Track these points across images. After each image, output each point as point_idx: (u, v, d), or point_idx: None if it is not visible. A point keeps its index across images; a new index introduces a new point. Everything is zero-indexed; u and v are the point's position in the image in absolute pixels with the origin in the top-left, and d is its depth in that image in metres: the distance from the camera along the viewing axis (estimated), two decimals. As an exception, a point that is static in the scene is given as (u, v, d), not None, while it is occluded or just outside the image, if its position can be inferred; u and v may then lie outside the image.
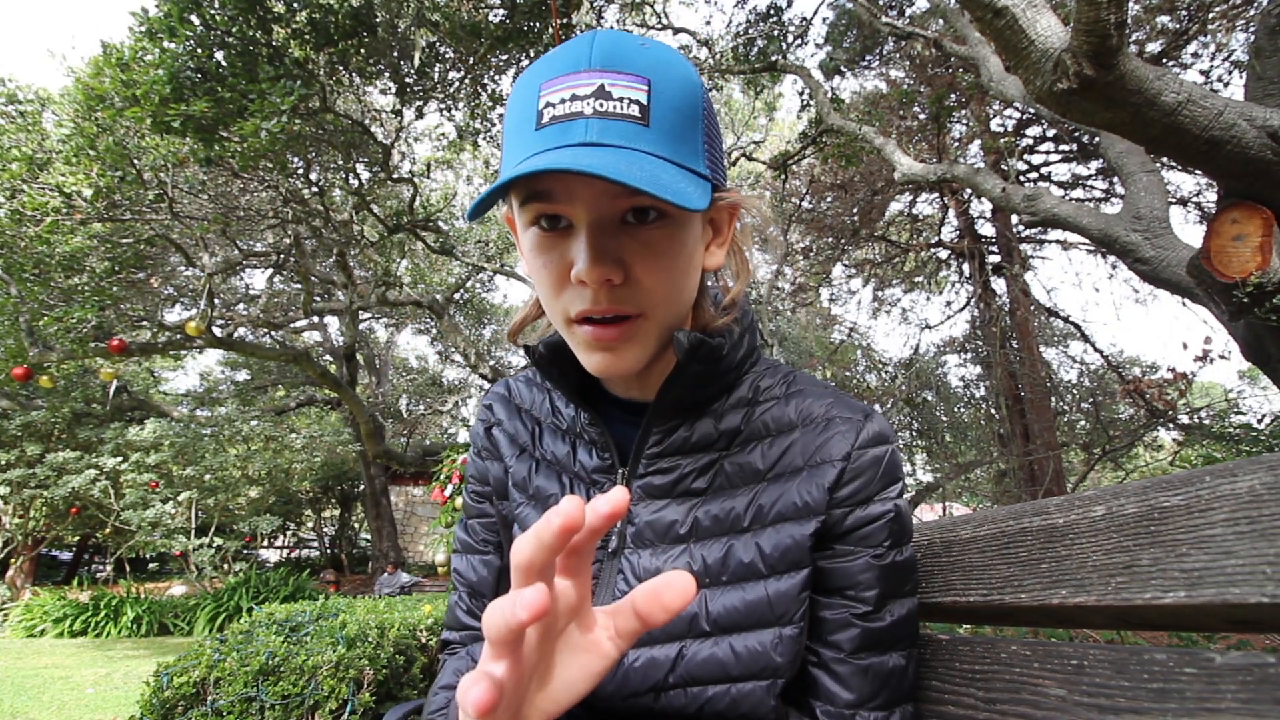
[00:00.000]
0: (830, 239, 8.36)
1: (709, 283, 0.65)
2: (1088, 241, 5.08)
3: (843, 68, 7.28)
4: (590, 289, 0.52)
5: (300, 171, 6.58)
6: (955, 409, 8.87)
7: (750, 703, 0.54)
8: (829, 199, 8.53)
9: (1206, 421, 4.94)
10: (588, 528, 0.35)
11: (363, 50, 5.26)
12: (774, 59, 6.05)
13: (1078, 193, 7.68)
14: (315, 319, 12.76)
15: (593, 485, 0.64)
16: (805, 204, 8.38)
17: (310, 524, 17.28)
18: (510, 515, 0.68)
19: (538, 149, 0.49)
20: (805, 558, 0.57)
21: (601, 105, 0.49)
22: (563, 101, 0.49)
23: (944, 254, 9.05)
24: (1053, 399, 7.73)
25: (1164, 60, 5.36)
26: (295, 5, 4.72)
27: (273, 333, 10.81)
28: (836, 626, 0.57)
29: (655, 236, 0.52)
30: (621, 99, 0.49)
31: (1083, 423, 7.28)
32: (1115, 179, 6.28)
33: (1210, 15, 5.03)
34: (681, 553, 0.58)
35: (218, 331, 7.59)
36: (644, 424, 0.61)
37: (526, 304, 0.67)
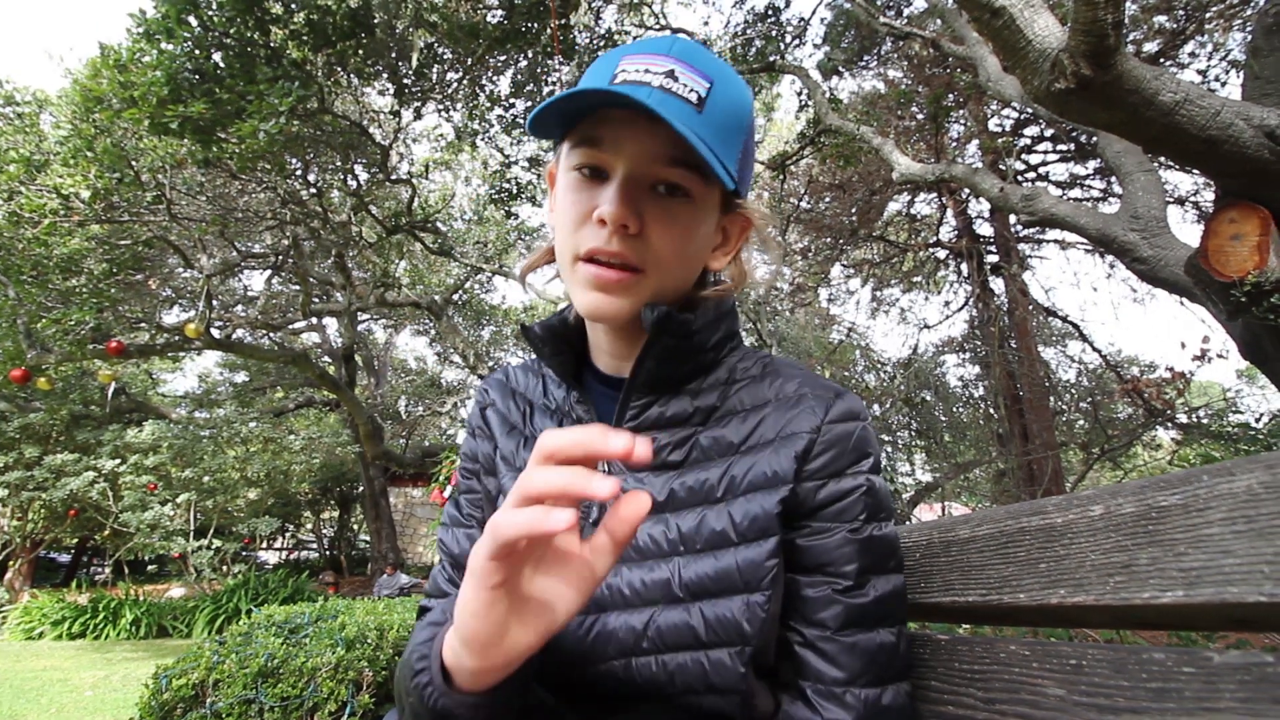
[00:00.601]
0: (828, 239, 8.36)
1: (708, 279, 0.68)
2: (1086, 241, 5.09)
3: (841, 68, 7.28)
4: (607, 230, 0.56)
5: (298, 172, 6.57)
6: (954, 409, 8.88)
7: (719, 672, 0.55)
8: (827, 199, 8.53)
9: (1205, 421, 4.96)
10: (610, 456, 0.39)
11: (361, 51, 5.26)
12: (772, 59, 6.06)
13: (1075, 192, 7.69)
14: (314, 320, 12.72)
15: None
16: (803, 204, 8.37)
17: (309, 526, 17.24)
18: (495, 489, 0.71)
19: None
20: (774, 525, 0.58)
21: (668, 84, 0.55)
22: (636, 71, 0.56)
23: (942, 254, 9.04)
24: (1051, 398, 7.74)
25: (1161, 60, 5.37)
26: (293, 6, 4.72)
27: (271, 334, 10.78)
28: (820, 604, 0.58)
29: (677, 208, 0.58)
30: (685, 85, 0.56)
31: (1081, 422, 7.29)
32: (1113, 178, 6.29)
33: (1207, 15, 5.05)
34: (657, 522, 0.61)
35: (216, 333, 7.58)
36: (620, 399, 0.65)
37: (540, 250, 0.71)
